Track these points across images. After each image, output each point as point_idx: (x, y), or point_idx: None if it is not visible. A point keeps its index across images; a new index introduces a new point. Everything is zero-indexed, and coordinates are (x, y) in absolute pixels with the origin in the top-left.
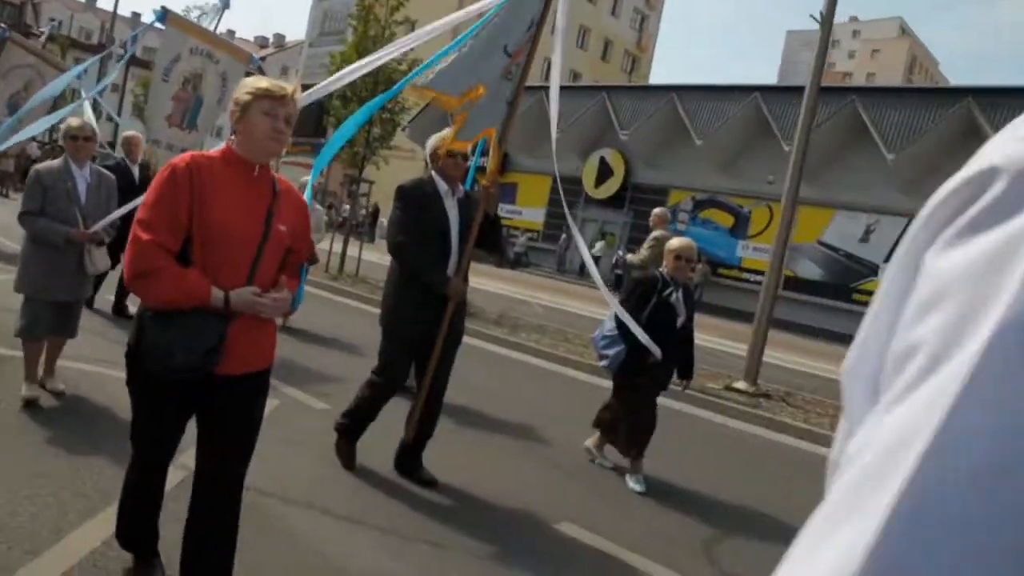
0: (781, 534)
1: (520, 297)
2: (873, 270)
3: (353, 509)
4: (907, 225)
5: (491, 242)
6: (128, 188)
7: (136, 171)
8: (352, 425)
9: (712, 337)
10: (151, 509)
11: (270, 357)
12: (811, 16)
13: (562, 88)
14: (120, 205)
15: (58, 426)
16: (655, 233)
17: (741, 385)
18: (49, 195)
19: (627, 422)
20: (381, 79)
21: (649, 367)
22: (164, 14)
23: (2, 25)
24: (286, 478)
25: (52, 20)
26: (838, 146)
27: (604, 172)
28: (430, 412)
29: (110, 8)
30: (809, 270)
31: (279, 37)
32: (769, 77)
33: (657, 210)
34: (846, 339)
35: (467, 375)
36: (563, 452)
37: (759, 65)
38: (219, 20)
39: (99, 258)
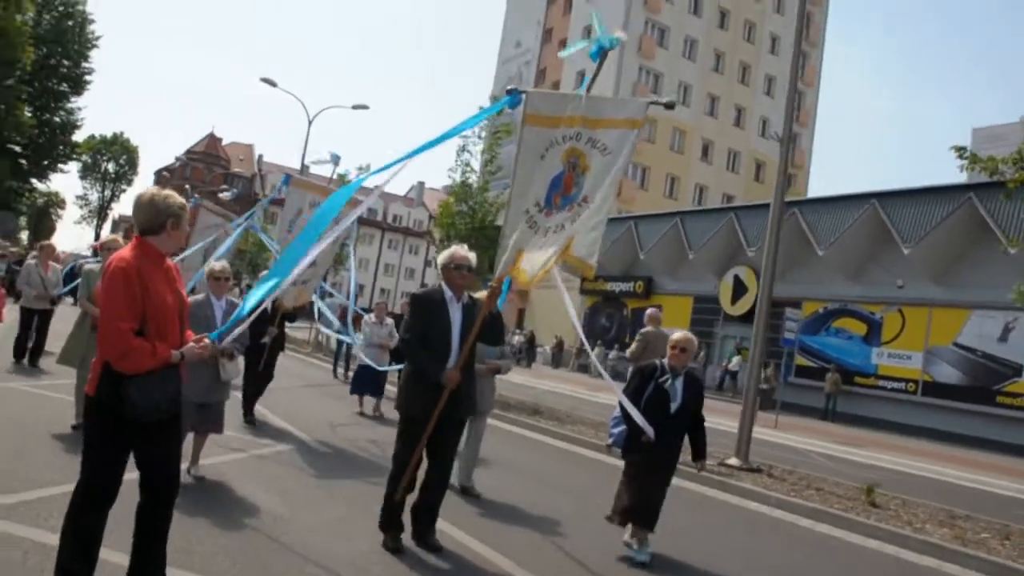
0: None
1: None
2: (1016, 370)
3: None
4: None
5: (492, 336)
6: (263, 316)
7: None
8: (386, 501)
9: (840, 446)
10: (96, 543)
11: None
12: (771, 136)
13: (693, 212)
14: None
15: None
16: (643, 330)
17: (733, 461)
18: (192, 321)
19: (622, 493)
20: (476, 221)
21: (644, 446)
22: (288, 179)
23: (195, 196)
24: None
25: (230, 188)
26: (963, 245)
27: (739, 289)
28: (437, 482)
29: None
30: (947, 374)
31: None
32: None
33: (648, 311)
34: (990, 445)
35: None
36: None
37: (948, 166)
38: (334, 173)
39: (231, 369)
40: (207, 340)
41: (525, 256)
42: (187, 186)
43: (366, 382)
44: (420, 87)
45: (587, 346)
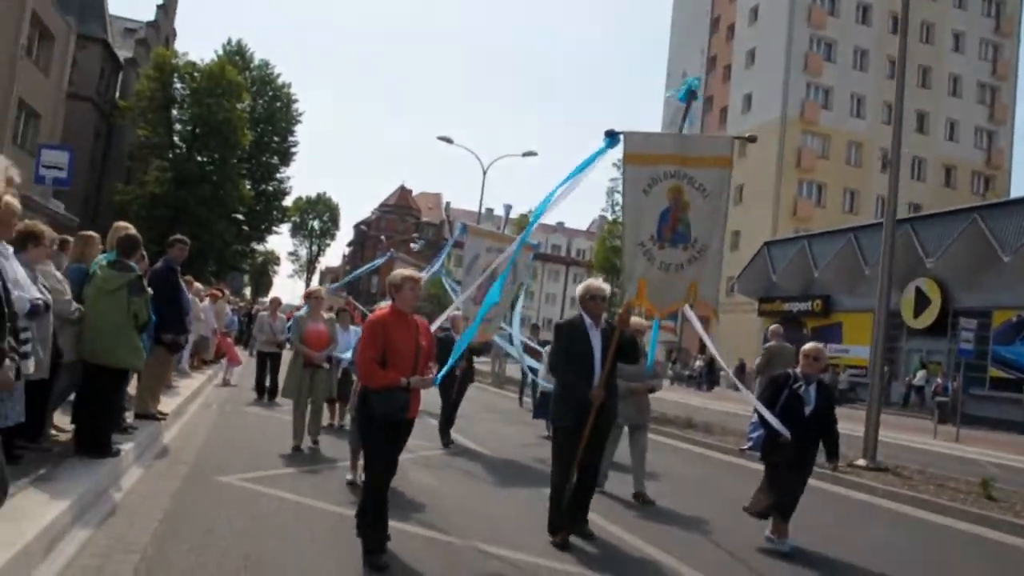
0: None
1: None
2: None
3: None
4: None
5: (628, 355)
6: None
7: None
8: (551, 505)
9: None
10: (385, 518)
11: (417, 410)
12: (884, 160)
13: (866, 227)
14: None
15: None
16: (767, 345)
17: (860, 462)
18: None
19: (763, 490)
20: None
21: (782, 447)
22: (465, 228)
23: (391, 250)
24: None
25: (419, 238)
26: None
27: (922, 302)
28: (587, 484)
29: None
30: None
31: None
32: None
33: (771, 327)
34: None
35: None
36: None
37: None
38: (504, 223)
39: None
40: (431, 374)
41: (648, 287)
42: (383, 237)
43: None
44: (589, 129)
45: (721, 362)
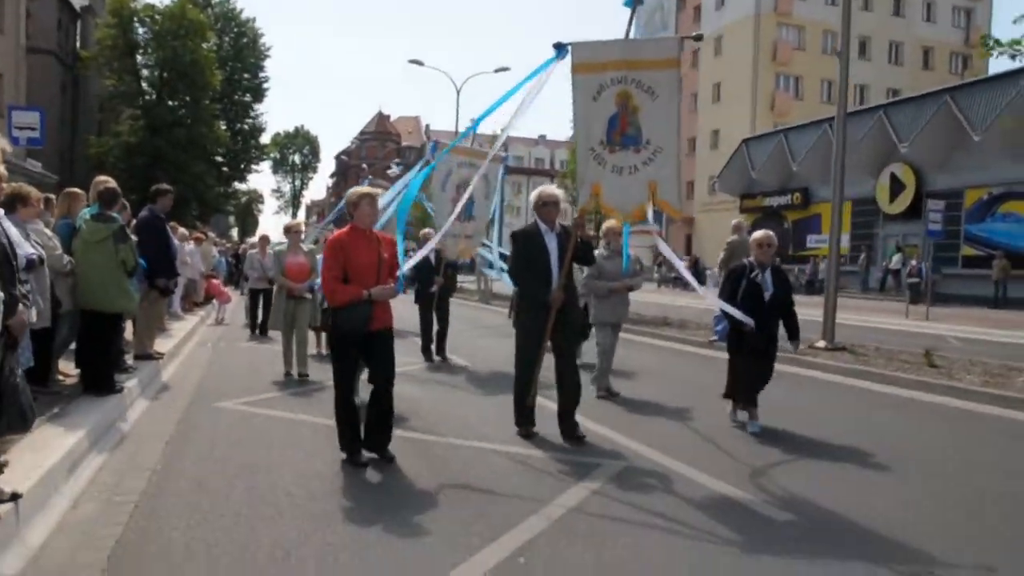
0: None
1: None
2: None
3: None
4: None
5: (584, 258)
6: (429, 268)
7: (433, 256)
8: (516, 401)
9: (992, 330)
10: (354, 424)
11: (390, 321)
12: (834, 50)
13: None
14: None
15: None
16: (729, 239)
17: (820, 344)
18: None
19: (732, 379)
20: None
21: (747, 336)
22: (435, 146)
23: (369, 176)
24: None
25: (398, 163)
26: None
27: (896, 187)
28: (571, 384)
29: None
30: None
31: None
32: None
33: (734, 222)
34: None
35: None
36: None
37: None
38: (471, 135)
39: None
40: (392, 284)
41: (604, 191)
42: (364, 165)
43: None
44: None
45: (684, 273)
